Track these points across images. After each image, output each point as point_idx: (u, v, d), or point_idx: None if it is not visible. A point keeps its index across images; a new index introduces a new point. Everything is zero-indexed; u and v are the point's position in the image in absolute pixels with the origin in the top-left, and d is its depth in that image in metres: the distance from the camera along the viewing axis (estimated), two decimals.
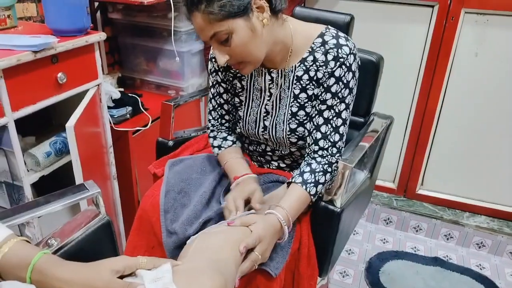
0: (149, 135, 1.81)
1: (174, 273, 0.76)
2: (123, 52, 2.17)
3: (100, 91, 1.55)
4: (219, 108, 1.30)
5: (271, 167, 1.34)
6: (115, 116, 1.79)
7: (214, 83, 1.26)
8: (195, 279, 0.78)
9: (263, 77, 1.19)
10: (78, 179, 1.40)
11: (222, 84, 1.25)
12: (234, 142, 1.29)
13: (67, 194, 0.96)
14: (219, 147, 1.28)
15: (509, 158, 2.08)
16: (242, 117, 1.25)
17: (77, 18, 1.39)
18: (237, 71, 1.21)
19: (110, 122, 1.68)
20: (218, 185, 1.23)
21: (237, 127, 1.29)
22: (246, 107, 1.24)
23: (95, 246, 0.95)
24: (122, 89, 2.02)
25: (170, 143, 1.49)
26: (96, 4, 1.94)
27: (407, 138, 2.24)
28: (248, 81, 1.22)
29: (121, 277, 0.74)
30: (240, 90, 1.24)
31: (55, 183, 1.42)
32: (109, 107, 1.77)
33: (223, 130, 1.31)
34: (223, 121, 1.31)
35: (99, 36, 1.46)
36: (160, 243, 1.11)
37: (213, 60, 1.24)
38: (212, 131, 1.32)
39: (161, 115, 1.53)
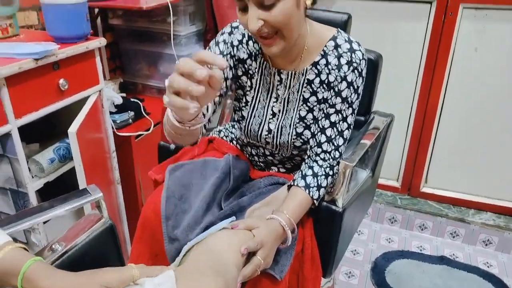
0: (152, 140, 1.82)
1: (176, 275, 0.76)
2: (124, 58, 2.19)
3: (102, 96, 1.56)
4: None
5: (271, 171, 1.34)
6: (118, 121, 1.80)
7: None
8: (197, 281, 0.78)
9: (272, 77, 1.18)
10: (82, 184, 1.41)
11: (233, 70, 1.18)
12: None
13: (70, 199, 0.96)
14: None
15: None
16: (246, 117, 1.23)
17: (76, 25, 1.40)
18: (249, 67, 1.18)
19: (113, 127, 1.69)
20: (218, 189, 1.22)
21: (237, 129, 1.27)
22: (251, 108, 1.22)
23: (99, 250, 0.96)
24: (124, 94, 2.04)
25: (172, 147, 1.49)
26: (96, 10, 1.96)
27: (410, 135, 2.23)
28: (258, 80, 1.19)
29: None
30: (248, 89, 1.21)
31: (60, 189, 1.43)
32: (111, 112, 1.78)
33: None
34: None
35: (99, 41, 1.47)
36: (163, 251, 1.10)
37: (227, 44, 1.17)
38: None
39: (163, 119, 1.54)
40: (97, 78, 1.52)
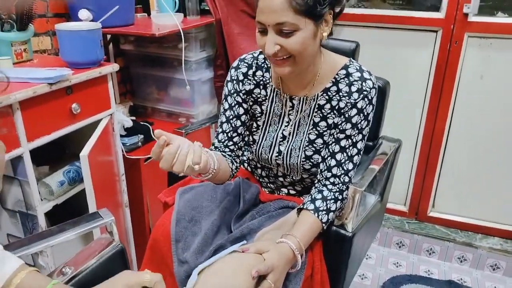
0: None
1: None
2: (134, 82, 2.22)
3: (113, 120, 1.58)
4: (231, 132, 1.24)
5: (281, 194, 1.35)
6: (127, 144, 1.82)
7: (233, 104, 1.23)
8: None
9: (284, 103, 1.21)
10: (92, 207, 1.42)
11: (243, 105, 1.24)
12: (229, 162, 1.23)
13: (81, 222, 0.98)
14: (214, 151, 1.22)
15: None
16: (257, 141, 1.26)
17: (91, 51, 1.43)
18: (258, 96, 1.23)
19: (122, 150, 1.71)
20: (228, 212, 1.23)
21: (249, 152, 1.30)
22: (262, 132, 1.26)
23: (109, 274, 0.95)
24: (133, 118, 2.07)
25: None
26: (109, 36, 2.00)
27: (417, 161, 2.24)
28: (268, 106, 1.23)
29: None
30: (259, 115, 1.25)
31: (68, 212, 1.44)
32: (121, 136, 1.80)
33: (225, 153, 1.25)
34: (230, 143, 1.25)
35: (112, 67, 1.50)
36: (172, 273, 1.10)
37: (234, 81, 1.23)
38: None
39: None
40: (109, 102, 1.55)
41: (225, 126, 1.25)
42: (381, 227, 2.23)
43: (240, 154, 1.28)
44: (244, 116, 1.24)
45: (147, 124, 1.99)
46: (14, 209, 1.38)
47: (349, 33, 2.13)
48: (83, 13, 1.61)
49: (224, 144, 1.25)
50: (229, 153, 1.25)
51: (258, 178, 1.38)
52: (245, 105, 1.24)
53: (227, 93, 1.25)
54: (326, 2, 1.00)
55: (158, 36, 1.70)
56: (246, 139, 1.29)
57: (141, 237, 1.88)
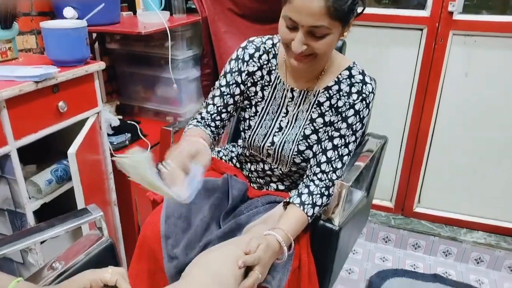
0: None
1: (177, 285, 0.78)
2: (121, 81, 2.22)
3: (100, 118, 1.58)
4: (221, 107, 1.25)
5: (269, 189, 1.36)
6: (115, 143, 1.82)
7: (232, 82, 1.24)
8: None
9: (284, 93, 1.23)
10: (80, 205, 1.41)
11: (241, 86, 1.25)
12: (210, 137, 1.23)
13: (70, 218, 0.98)
14: (196, 126, 1.23)
15: (502, 174, 2.12)
16: (252, 127, 1.28)
17: (77, 49, 1.43)
18: (260, 80, 1.24)
19: (110, 149, 1.71)
20: (217, 208, 1.24)
21: (242, 139, 1.31)
22: (259, 119, 1.27)
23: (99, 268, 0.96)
24: (121, 117, 2.06)
25: None
26: (94, 35, 1.99)
27: (402, 157, 2.27)
28: (270, 93, 1.25)
29: None
30: (260, 99, 1.26)
31: (56, 211, 1.43)
32: (108, 135, 1.79)
33: (208, 130, 1.24)
34: (217, 117, 1.25)
35: (99, 65, 1.50)
36: (162, 269, 1.11)
37: (239, 60, 1.24)
38: (197, 122, 1.24)
39: (161, 140, 1.57)
40: (96, 100, 1.55)
41: (217, 100, 1.25)
42: (368, 222, 2.26)
43: (217, 138, 1.28)
44: (238, 96, 1.26)
45: (134, 123, 1.99)
46: (3, 207, 1.37)
47: None
48: (68, 11, 1.60)
49: (212, 117, 1.25)
50: (213, 129, 1.25)
51: (247, 173, 1.39)
52: (242, 87, 1.25)
53: (227, 71, 1.25)
54: (356, 6, 1.03)
55: (144, 35, 1.70)
56: (229, 136, 1.30)
57: (130, 235, 1.88)
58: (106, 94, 2.19)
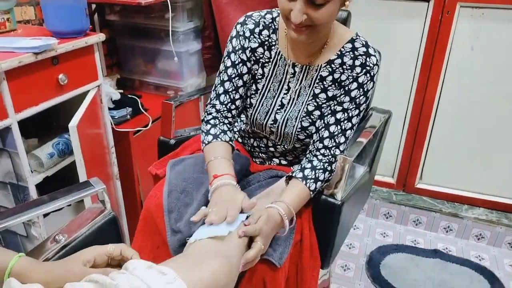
0: (150, 135, 1.83)
1: (180, 257, 0.78)
2: (121, 54, 2.19)
3: (101, 92, 1.57)
4: (233, 92, 1.20)
5: (272, 164, 1.35)
6: (116, 117, 1.81)
7: (237, 62, 1.20)
8: (201, 262, 0.80)
9: (285, 69, 1.20)
10: (82, 178, 1.41)
11: (247, 63, 1.20)
12: (230, 140, 1.21)
13: (72, 191, 0.98)
14: (216, 136, 1.18)
15: (506, 150, 2.10)
16: (254, 105, 1.25)
17: (76, 20, 1.40)
18: (261, 56, 1.21)
19: (111, 123, 1.70)
20: None
21: (241, 122, 1.29)
22: (260, 96, 1.24)
23: (101, 241, 0.95)
24: (121, 91, 2.04)
25: (172, 141, 1.50)
26: (94, 6, 1.96)
27: (405, 133, 2.26)
28: (271, 70, 1.22)
29: (95, 266, 0.79)
30: (260, 77, 1.23)
31: (58, 184, 1.43)
32: (109, 108, 1.78)
33: (226, 122, 1.23)
34: (233, 106, 1.22)
35: (98, 37, 1.48)
36: (165, 243, 1.12)
37: (240, 37, 1.20)
38: (214, 117, 1.22)
39: (162, 114, 1.55)
40: (96, 73, 1.53)
41: (227, 84, 1.21)
42: (369, 198, 2.26)
43: (236, 126, 1.27)
44: (246, 75, 1.22)
45: (135, 97, 1.97)
46: (5, 180, 1.37)
47: None
48: None
49: (228, 107, 1.22)
50: (234, 112, 1.22)
51: (249, 148, 1.38)
52: (248, 64, 1.21)
53: (230, 50, 1.21)
54: None
55: (145, 5, 1.66)
56: (243, 104, 1.27)
57: (132, 209, 1.89)
58: (106, 67, 2.16)
